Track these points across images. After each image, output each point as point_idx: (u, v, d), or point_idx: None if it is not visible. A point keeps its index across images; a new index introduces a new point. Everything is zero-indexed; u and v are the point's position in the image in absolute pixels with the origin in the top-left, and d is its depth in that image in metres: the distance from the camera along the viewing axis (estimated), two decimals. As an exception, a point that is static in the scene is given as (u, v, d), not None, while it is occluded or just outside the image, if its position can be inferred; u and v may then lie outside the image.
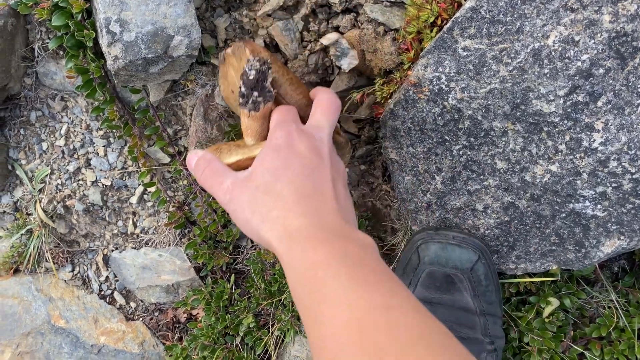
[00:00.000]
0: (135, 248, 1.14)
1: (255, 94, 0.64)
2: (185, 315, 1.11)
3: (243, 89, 0.64)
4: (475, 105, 0.75)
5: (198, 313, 1.10)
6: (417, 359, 0.41)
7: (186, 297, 1.06)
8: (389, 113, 0.83)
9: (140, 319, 1.19)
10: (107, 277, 1.18)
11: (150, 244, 1.13)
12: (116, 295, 1.19)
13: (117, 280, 1.18)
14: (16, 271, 1.22)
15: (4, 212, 1.18)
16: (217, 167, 0.63)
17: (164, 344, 1.18)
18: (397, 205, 0.96)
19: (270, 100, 0.65)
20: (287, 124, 0.61)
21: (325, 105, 0.65)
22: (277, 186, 0.55)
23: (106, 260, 1.17)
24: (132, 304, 1.19)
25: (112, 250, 1.16)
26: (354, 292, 0.46)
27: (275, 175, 0.56)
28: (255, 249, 1.05)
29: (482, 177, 0.82)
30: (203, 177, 0.63)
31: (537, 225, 0.82)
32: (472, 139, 0.79)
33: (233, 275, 1.05)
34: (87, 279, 1.19)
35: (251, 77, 0.63)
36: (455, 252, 0.84)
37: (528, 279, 0.91)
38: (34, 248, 1.14)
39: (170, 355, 1.09)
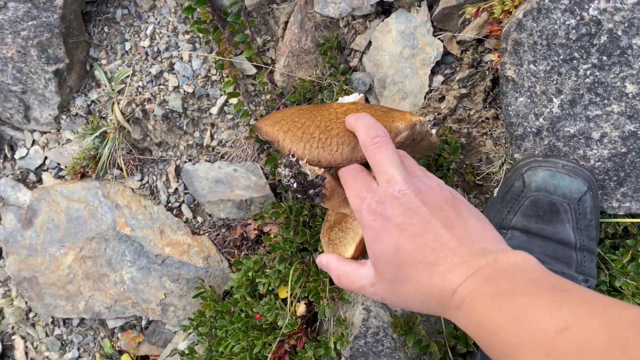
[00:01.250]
0: (209, 161, 1.12)
1: (311, 191, 0.65)
2: (256, 232, 1.09)
3: (299, 196, 0.67)
4: (618, 17, 0.70)
5: (270, 230, 1.07)
6: None
7: (264, 211, 1.04)
8: (514, 25, 0.78)
9: (207, 234, 1.17)
10: (176, 189, 1.16)
11: (226, 157, 1.11)
12: (184, 208, 1.17)
13: (186, 193, 1.16)
14: (83, 176, 1.21)
15: (77, 114, 1.16)
16: (347, 271, 0.63)
17: (228, 260, 1.16)
18: (498, 132, 0.92)
19: (324, 188, 0.67)
20: (363, 201, 0.58)
21: (376, 148, 0.60)
22: (402, 274, 0.55)
23: (178, 171, 1.15)
24: (199, 219, 1.17)
25: (185, 162, 1.14)
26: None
27: (393, 263, 0.56)
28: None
29: (606, 101, 0.77)
30: (345, 286, 0.64)
31: (656, 159, 0.78)
32: (604, 58, 0.74)
33: (313, 193, 1.02)
34: (155, 190, 1.18)
35: (295, 186, 0.66)
36: (564, 181, 0.80)
37: (629, 220, 0.87)
38: (107, 152, 1.12)
39: (238, 270, 1.07)
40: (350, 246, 0.66)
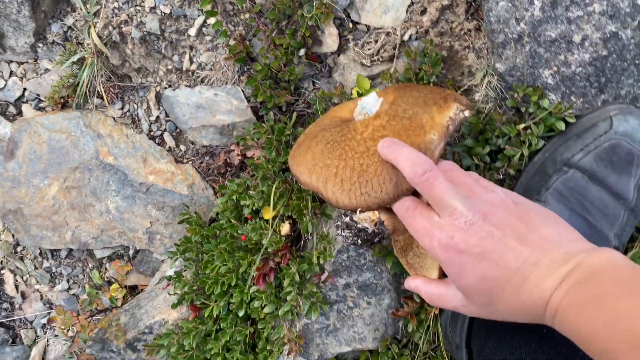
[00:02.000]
0: (189, 86, 1.10)
1: (377, 239, 0.68)
2: (239, 157, 1.09)
3: (366, 246, 0.73)
4: None
5: (253, 154, 1.07)
6: None
7: (246, 132, 1.03)
8: None
9: (190, 162, 1.17)
10: (157, 117, 1.15)
11: (206, 81, 1.09)
12: (166, 136, 1.16)
13: (168, 121, 1.15)
14: (64, 106, 1.19)
15: (54, 42, 1.13)
16: (437, 294, 0.67)
17: (213, 188, 1.16)
18: (479, 44, 0.91)
19: (386, 229, 0.69)
20: (433, 239, 0.59)
21: (427, 186, 0.60)
22: (492, 299, 0.57)
23: (158, 97, 1.13)
24: (182, 147, 1.16)
25: (165, 88, 1.12)
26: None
27: (482, 292, 0.57)
28: (319, 89, 1.01)
29: (587, 0, 0.76)
30: (439, 305, 0.67)
31: (637, 61, 0.77)
32: (586, -47, 0.72)
33: (295, 113, 1.01)
34: (136, 118, 1.16)
35: (361, 242, 0.69)
36: None
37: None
38: (85, 78, 1.10)
39: (223, 195, 1.08)
40: (433, 271, 0.69)
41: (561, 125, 0.86)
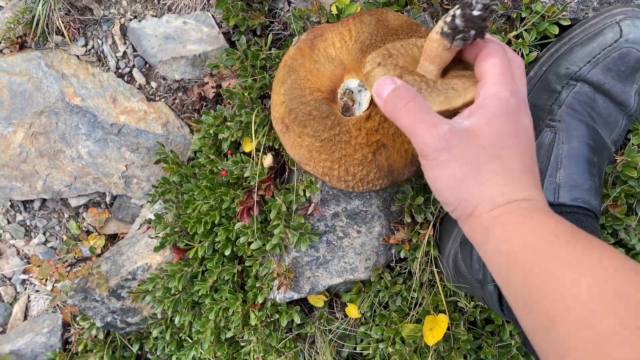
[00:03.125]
0: (156, 16, 1.03)
1: (473, 32, 0.52)
2: (214, 90, 1.02)
3: (459, 23, 0.52)
4: None
5: (229, 84, 1.01)
6: None
7: (218, 60, 0.96)
8: None
9: (163, 99, 1.10)
10: (124, 52, 1.07)
11: (173, 9, 1.01)
12: (135, 73, 1.09)
13: (136, 56, 1.07)
14: (22, 47, 1.11)
15: (3, -26, 1.04)
16: (425, 105, 0.54)
17: (189, 126, 1.10)
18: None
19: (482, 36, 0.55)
20: (517, 90, 0.54)
21: (521, 68, 0.57)
22: (505, 153, 0.52)
23: (124, 31, 1.05)
24: (153, 84, 1.09)
25: (131, 20, 1.04)
26: (601, 260, 0.43)
27: (505, 141, 0.52)
28: (295, 8, 0.94)
29: None
30: (405, 111, 0.53)
31: (636, -49, 0.72)
32: None
33: (270, 35, 0.94)
34: (102, 55, 1.08)
35: (476, 14, 0.51)
36: None
37: None
38: (42, 12, 1.02)
39: (199, 130, 1.02)
40: (444, 105, 0.56)
41: (555, 30, 0.80)
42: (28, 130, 1.10)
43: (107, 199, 1.18)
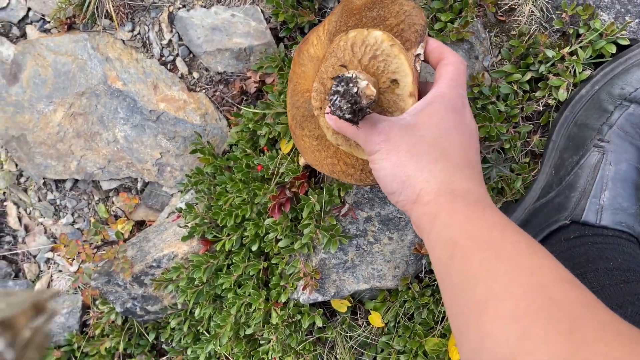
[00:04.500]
0: (205, 7, 1.03)
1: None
2: (256, 85, 1.02)
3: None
4: None
5: (273, 81, 1.00)
6: (617, 333, 0.38)
7: (260, 62, 0.96)
8: None
9: (203, 90, 1.10)
10: (170, 40, 1.08)
11: (222, 1, 1.01)
12: (178, 62, 1.09)
13: (180, 45, 1.08)
14: (70, 28, 1.12)
15: (60, -45, 1.06)
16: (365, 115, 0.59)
17: (227, 119, 1.10)
18: (525, -42, 0.83)
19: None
20: (463, 89, 0.58)
21: (462, 72, 0.60)
22: (446, 144, 0.54)
23: (171, 19, 1.06)
24: (195, 75, 1.10)
25: (179, 8, 1.05)
26: (536, 259, 0.44)
27: (447, 135, 0.54)
28: None
29: None
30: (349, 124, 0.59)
31: None
32: None
33: (318, 34, 0.94)
34: (147, 42, 1.09)
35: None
36: None
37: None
38: (93, -5, 1.03)
39: (237, 123, 1.01)
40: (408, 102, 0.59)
41: (612, 49, 0.78)
42: (68, 110, 1.11)
43: (139, 185, 1.18)
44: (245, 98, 1.06)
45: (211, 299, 1.05)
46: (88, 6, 1.05)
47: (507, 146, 0.86)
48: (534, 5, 0.80)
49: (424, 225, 0.52)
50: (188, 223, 1.02)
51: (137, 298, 1.11)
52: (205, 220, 1.01)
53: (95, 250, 1.06)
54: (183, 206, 1.04)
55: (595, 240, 0.76)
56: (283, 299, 0.96)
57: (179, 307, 1.12)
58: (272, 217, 0.92)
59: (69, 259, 1.15)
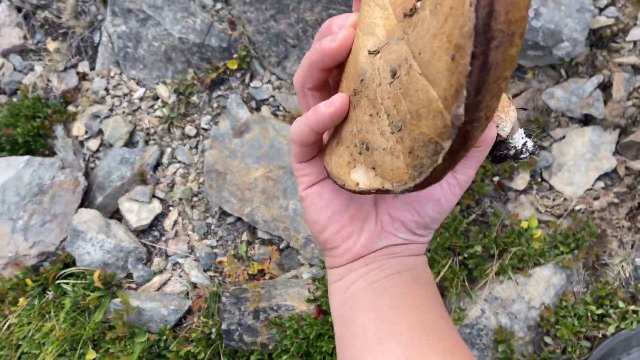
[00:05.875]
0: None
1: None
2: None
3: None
4: None
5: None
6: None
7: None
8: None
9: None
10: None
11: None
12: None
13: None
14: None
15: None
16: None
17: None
18: (627, 239, 1.24)
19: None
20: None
21: None
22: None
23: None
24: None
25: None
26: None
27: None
28: (493, 208, 1.34)
29: None
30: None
31: None
32: None
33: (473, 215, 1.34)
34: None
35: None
36: None
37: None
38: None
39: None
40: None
41: (663, 321, 1.15)
42: (267, 173, 1.51)
43: (282, 245, 1.53)
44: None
45: (303, 353, 1.35)
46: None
47: (569, 349, 1.20)
48: (622, 270, 1.19)
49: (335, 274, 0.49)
50: (316, 292, 1.35)
51: (243, 325, 1.40)
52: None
53: (247, 277, 1.38)
54: (318, 276, 1.37)
55: None
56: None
57: (269, 347, 1.40)
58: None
59: (229, 275, 1.47)
